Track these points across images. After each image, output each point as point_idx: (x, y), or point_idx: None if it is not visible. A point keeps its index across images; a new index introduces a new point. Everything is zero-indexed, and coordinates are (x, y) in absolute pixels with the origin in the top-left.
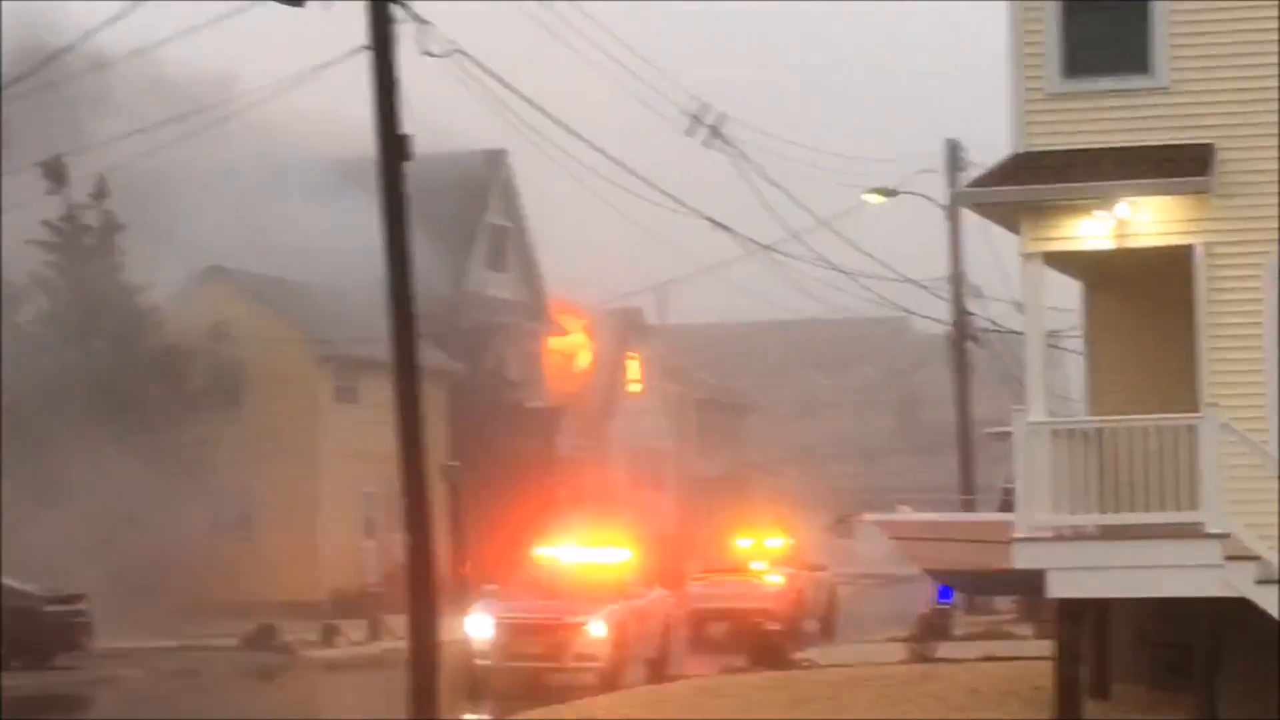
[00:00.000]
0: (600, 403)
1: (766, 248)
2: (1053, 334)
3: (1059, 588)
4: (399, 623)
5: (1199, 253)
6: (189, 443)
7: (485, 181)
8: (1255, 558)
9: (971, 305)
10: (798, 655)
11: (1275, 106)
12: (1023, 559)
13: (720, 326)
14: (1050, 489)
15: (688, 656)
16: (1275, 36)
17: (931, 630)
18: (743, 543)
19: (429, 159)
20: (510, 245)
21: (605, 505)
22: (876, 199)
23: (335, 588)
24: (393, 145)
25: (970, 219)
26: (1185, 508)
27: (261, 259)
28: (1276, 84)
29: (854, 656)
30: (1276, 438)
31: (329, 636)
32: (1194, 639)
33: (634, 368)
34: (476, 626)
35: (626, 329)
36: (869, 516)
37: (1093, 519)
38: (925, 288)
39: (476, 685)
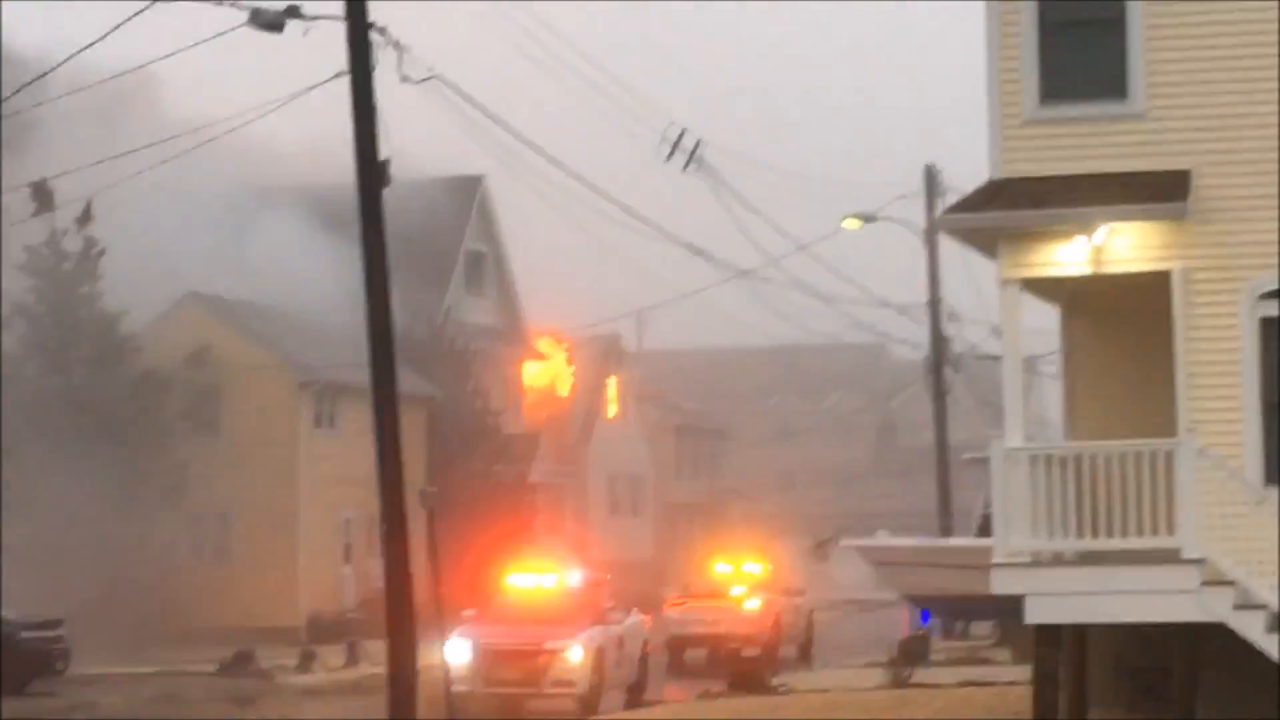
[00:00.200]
0: (578, 428)
1: (744, 273)
2: (1031, 359)
3: (1037, 613)
4: (377, 648)
5: (1176, 278)
6: (167, 468)
7: (463, 207)
8: (1232, 583)
9: (949, 330)
10: (775, 680)
11: (1251, 132)
12: (1001, 584)
13: (698, 352)
14: (1028, 514)
15: (665, 682)
16: (1252, 62)
17: (909, 655)
18: (721, 568)
19: (408, 184)
20: (488, 270)
21: (582, 530)
22: (854, 224)
23: (313, 613)
24: (371, 170)
25: (948, 244)
26: (1162, 533)
27: (239, 284)
28: (1252, 110)
29: (832, 682)
30: (1253, 463)
31: (307, 662)
32: (1171, 664)
33: (612, 393)
34: (454, 652)
35: (604, 354)
36: (847, 541)
37: (1070, 544)
38: (904, 313)
39: (454, 711)
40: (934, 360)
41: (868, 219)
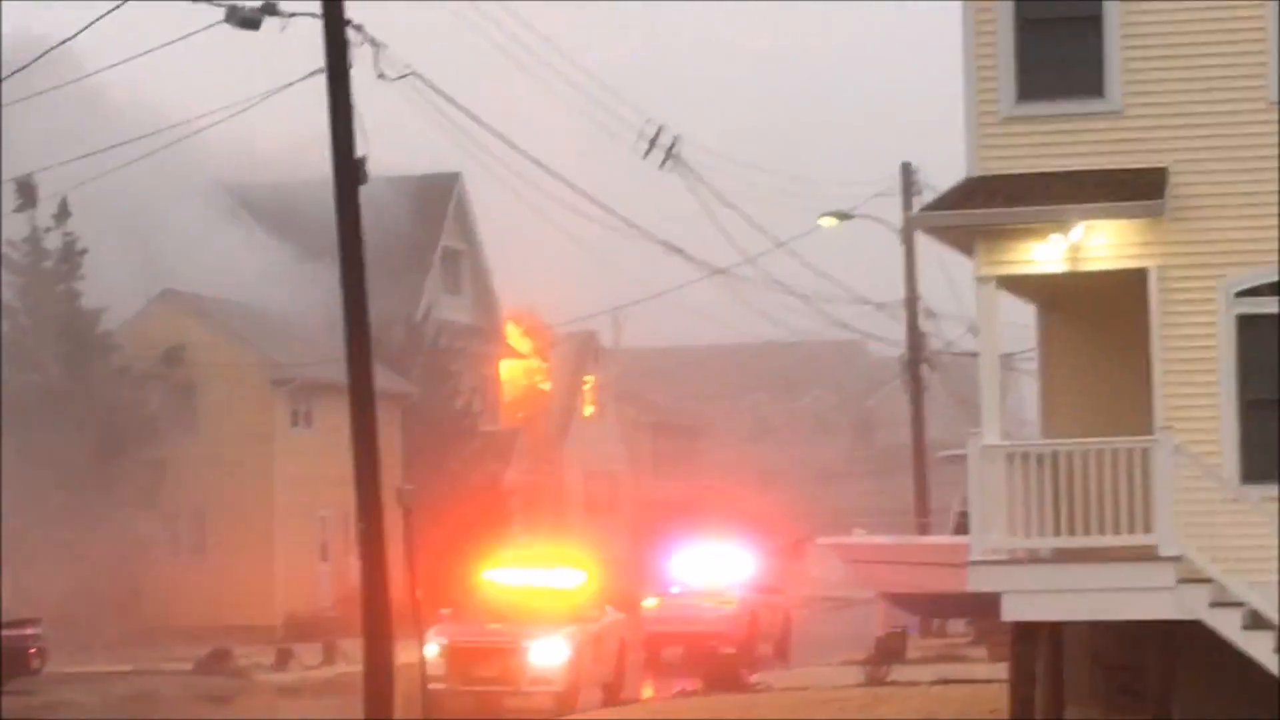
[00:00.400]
0: (555, 426)
1: (721, 271)
2: (1008, 356)
3: (1013, 610)
4: (353, 646)
5: (1152, 276)
6: (143, 466)
7: (440, 204)
8: (1209, 580)
9: (926, 328)
10: (752, 678)
11: (1228, 130)
12: (977, 582)
13: (675, 350)
14: (1005, 512)
15: (643, 680)
16: (1229, 60)
17: (886, 653)
18: (697, 566)
19: (384, 182)
20: (465, 268)
21: (559, 528)
22: (831, 222)
23: (290, 612)
24: (348, 168)
25: (925, 242)
26: (1139, 531)
27: (215, 282)
28: (1229, 107)
29: (809, 679)
30: (1230, 460)
31: (283, 661)
32: (1148, 661)
33: (589, 391)
34: (431, 650)
35: (581, 353)
36: (824, 539)
37: (1047, 542)
38: (881, 311)
39: (431, 709)
40: (911, 358)
41: (844, 217)
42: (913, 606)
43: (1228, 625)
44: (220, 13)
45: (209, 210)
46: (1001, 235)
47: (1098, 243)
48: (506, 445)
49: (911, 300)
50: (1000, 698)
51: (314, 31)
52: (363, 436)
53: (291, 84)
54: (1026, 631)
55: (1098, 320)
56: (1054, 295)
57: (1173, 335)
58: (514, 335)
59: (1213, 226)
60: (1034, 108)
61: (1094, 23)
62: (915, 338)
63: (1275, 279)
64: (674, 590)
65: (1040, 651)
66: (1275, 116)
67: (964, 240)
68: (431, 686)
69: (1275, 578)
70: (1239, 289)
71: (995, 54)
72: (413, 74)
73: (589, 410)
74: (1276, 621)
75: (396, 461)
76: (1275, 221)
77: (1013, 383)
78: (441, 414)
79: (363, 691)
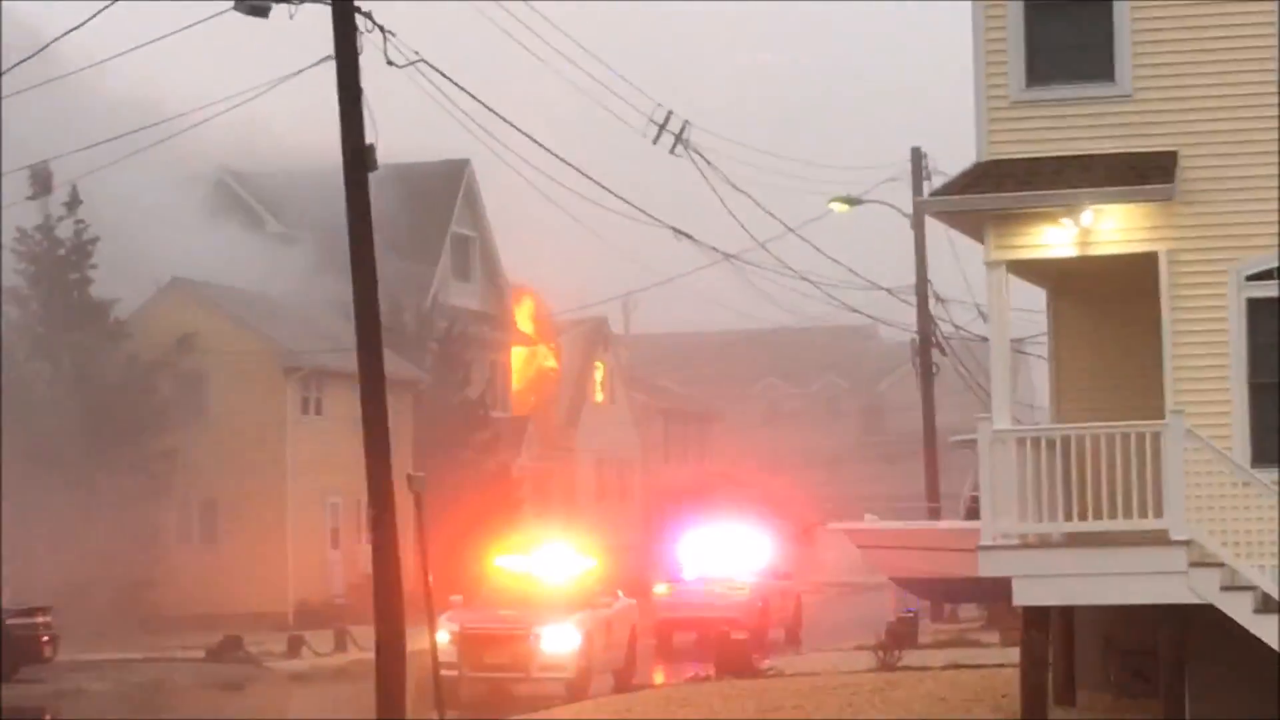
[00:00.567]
0: (565, 413)
1: (731, 256)
2: (1018, 340)
3: (1024, 595)
4: (365, 634)
5: (1163, 260)
6: (155, 454)
7: (449, 191)
8: (1220, 564)
9: (937, 313)
10: (764, 664)
11: (1238, 113)
12: (988, 567)
13: (685, 336)
14: (1015, 496)
15: (654, 665)
16: (1239, 43)
17: (898, 638)
18: (708, 551)
19: (393, 169)
20: (475, 255)
21: (570, 515)
22: (841, 207)
23: (301, 599)
24: (357, 156)
25: (936, 227)
26: (1150, 515)
27: (224, 270)
28: (1239, 90)
29: (820, 665)
30: (1240, 444)
31: (295, 648)
32: (1159, 645)
33: (599, 377)
34: (443, 637)
35: (592, 339)
36: (835, 525)
37: (1058, 526)
38: (891, 293)
39: (443, 696)
40: (921, 343)
41: (854, 202)
42: (924, 591)
43: (1239, 609)
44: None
45: (217, 198)
46: (1011, 219)
47: (1108, 227)
48: (517, 432)
49: (922, 285)
50: (1012, 682)
51: (323, 19)
52: (373, 423)
53: (300, 71)
54: (1038, 616)
55: (1108, 304)
56: (1064, 279)
57: (1183, 319)
58: (524, 321)
59: (1223, 210)
60: (1044, 92)
61: (1103, 6)
62: (925, 323)
63: None
64: (685, 576)
65: (1051, 636)
66: None
67: (974, 225)
68: (443, 673)
69: None
70: (1249, 273)
71: (1005, 38)
72: (421, 61)
73: (600, 396)
74: None
75: (407, 448)
76: None
77: (1023, 367)
78: (452, 401)
79: (374, 678)
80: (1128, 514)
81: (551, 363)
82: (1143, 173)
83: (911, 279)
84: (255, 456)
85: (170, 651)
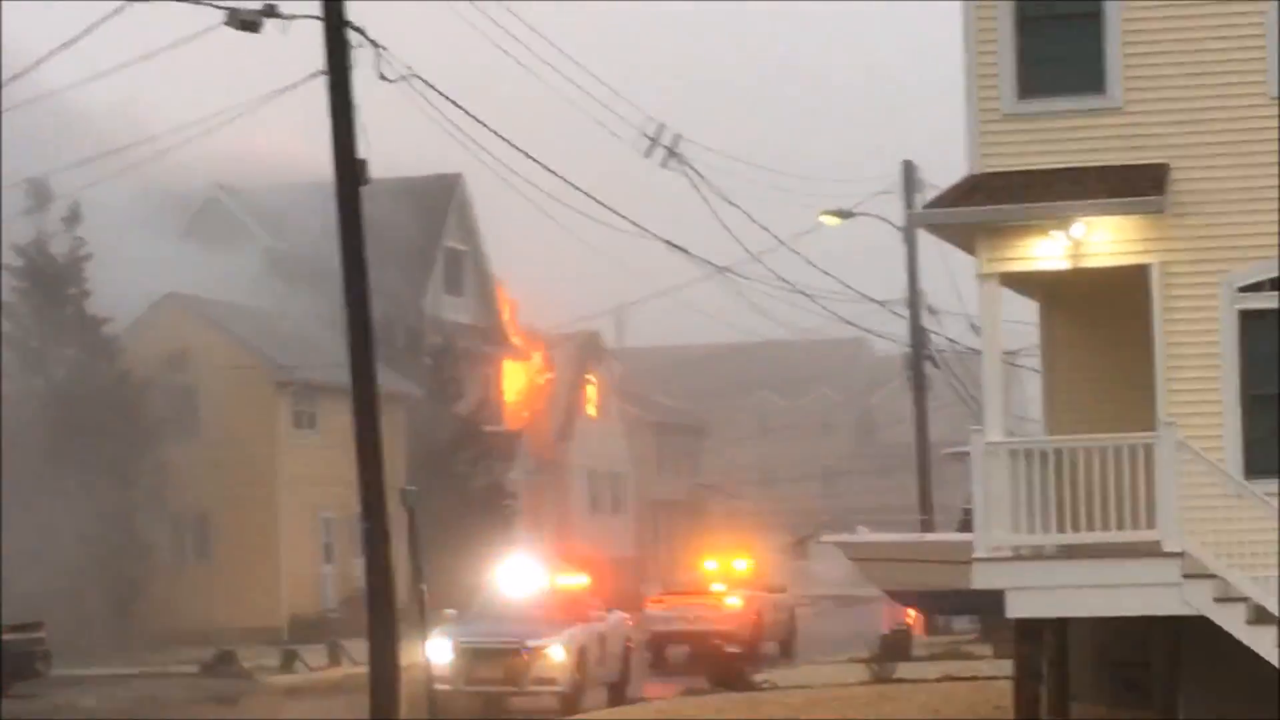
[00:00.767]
0: (558, 426)
1: (723, 269)
2: (1010, 353)
3: (1018, 607)
4: (359, 648)
5: (1154, 272)
6: (148, 469)
7: (442, 205)
8: (1213, 576)
9: (929, 325)
10: (758, 677)
11: (1229, 125)
12: (981, 579)
13: (678, 349)
14: (1008, 509)
15: (648, 679)
16: (1229, 55)
17: (891, 651)
18: (708, 564)
19: (386, 183)
20: (467, 269)
21: (563, 529)
22: (833, 220)
23: (295, 613)
24: (350, 170)
25: (927, 239)
26: (1143, 526)
27: (217, 285)
28: (1230, 102)
29: (814, 678)
30: (1233, 455)
31: (289, 662)
32: (1153, 657)
33: (592, 391)
34: (436, 651)
35: (584, 352)
36: (828, 537)
37: (1051, 538)
38: (883, 306)
39: (436, 710)
40: (914, 356)
41: (846, 215)
42: (917, 604)
43: (1232, 620)
44: (221, 15)
45: (209, 213)
46: (1003, 232)
47: (1099, 239)
48: (510, 445)
49: (914, 298)
50: (1005, 694)
51: (315, 34)
52: (366, 438)
53: (292, 86)
54: (1031, 628)
55: (1100, 317)
56: (1056, 292)
57: (1175, 331)
58: (516, 335)
59: (1214, 222)
60: (1035, 104)
61: (1094, 19)
62: (918, 335)
63: (1277, 274)
64: (678, 589)
65: (1045, 648)
66: (1276, 111)
67: (966, 237)
68: (437, 687)
69: (1278, 572)
70: (1241, 284)
71: (996, 51)
72: (413, 75)
73: (592, 410)
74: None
75: (400, 462)
76: (1276, 216)
77: (1015, 380)
78: (444, 415)
79: (368, 692)
80: (1121, 526)
81: (545, 377)
82: (1134, 185)
83: (903, 291)
84: (248, 471)
85: (164, 666)
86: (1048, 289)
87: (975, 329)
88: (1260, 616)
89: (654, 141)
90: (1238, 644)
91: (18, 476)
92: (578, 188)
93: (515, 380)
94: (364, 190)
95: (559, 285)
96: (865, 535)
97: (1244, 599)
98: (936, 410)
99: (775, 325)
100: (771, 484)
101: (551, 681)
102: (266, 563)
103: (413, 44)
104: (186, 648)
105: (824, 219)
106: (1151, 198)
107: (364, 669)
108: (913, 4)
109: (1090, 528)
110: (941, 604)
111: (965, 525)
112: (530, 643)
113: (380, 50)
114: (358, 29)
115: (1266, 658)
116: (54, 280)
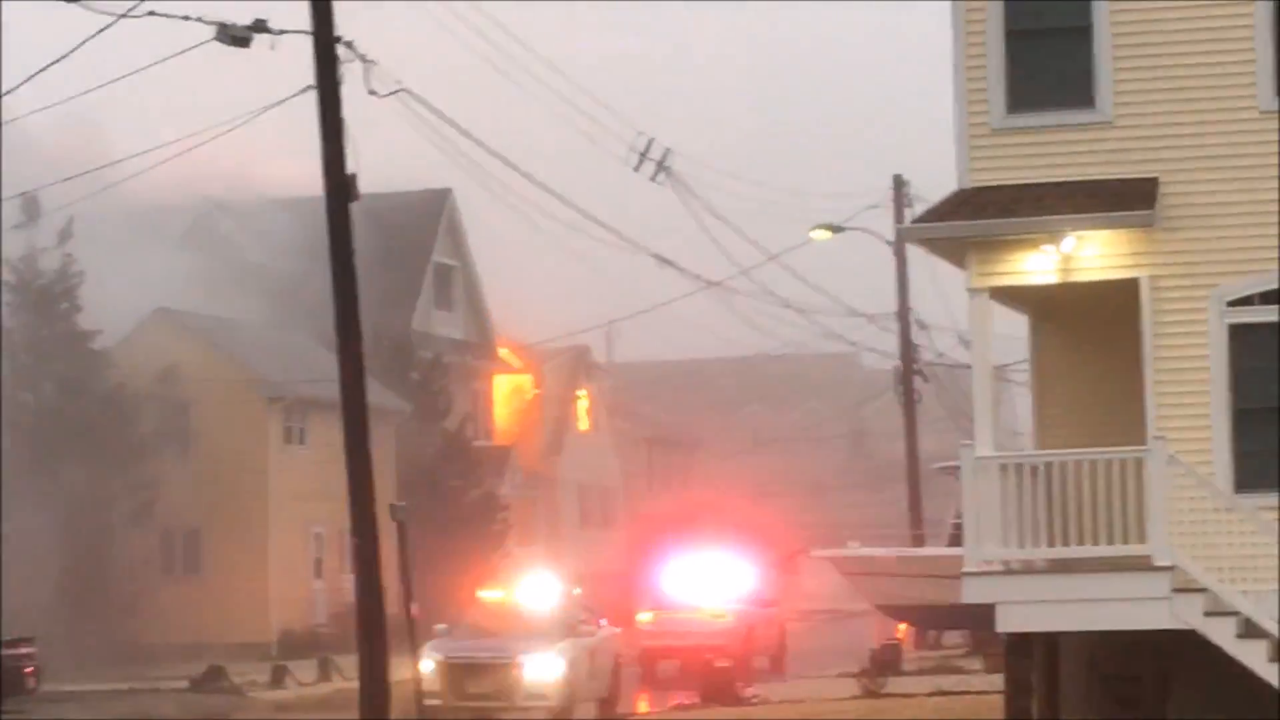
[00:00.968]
0: (548, 441)
1: (714, 284)
2: (1000, 367)
3: (1008, 621)
4: (348, 663)
5: (1144, 286)
6: (138, 485)
7: (432, 220)
8: (1203, 589)
9: (919, 339)
10: (748, 692)
11: (1218, 139)
12: (972, 593)
13: (668, 363)
14: (999, 523)
15: (638, 694)
16: (1219, 69)
17: (882, 665)
18: (692, 579)
19: (376, 198)
20: (457, 284)
21: (553, 543)
22: (823, 235)
23: (284, 628)
24: (339, 185)
25: (917, 254)
26: (1133, 540)
27: (206, 300)
28: (1219, 116)
29: (805, 692)
30: (1223, 469)
31: (279, 677)
32: (1143, 671)
33: (582, 406)
34: (426, 666)
35: (574, 367)
36: (819, 552)
37: (1041, 552)
38: (873, 320)
39: None
40: (904, 370)
41: (836, 229)
42: (908, 618)
43: (1222, 634)
44: (211, 31)
45: (199, 228)
46: (993, 246)
47: (1089, 253)
48: (500, 460)
49: (904, 312)
50: (996, 709)
51: (304, 49)
52: (356, 453)
53: (282, 101)
54: (1021, 642)
55: (1090, 331)
56: (1046, 306)
57: (1165, 345)
58: (506, 350)
59: (1204, 236)
60: (1024, 119)
61: (1083, 33)
62: (908, 349)
63: (1267, 288)
64: (669, 604)
65: (1035, 662)
66: (1265, 126)
67: (955, 252)
68: (427, 702)
69: (1270, 587)
70: (1231, 298)
71: (985, 65)
72: (403, 90)
73: (583, 425)
74: (1274, 632)
75: (390, 478)
76: (1267, 231)
77: (1006, 394)
78: (434, 430)
79: (358, 708)
80: (1111, 540)
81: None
82: (1124, 199)
83: (893, 306)
84: (238, 486)
85: (153, 682)
86: (1038, 303)
87: (965, 343)
88: (1250, 630)
89: (644, 156)
90: (1228, 658)
91: (7, 491)
92: (568, 202)
93: (505, 395)
94: (354, 205)
95: (549, 300)
96: (856, 549)
97: (1234, 613)
98: (927, 424)
99: (766, 339)
100: (762, 498)
101: (542, 696)
102: (256, 577)
103: (404, 59)
104: (176, 663)
105: (814, 233)
106: (1141, 212)
107: (354, 684)
108: (906, 17)
109: (1080, 542)
110: (932, 618)
111: (956, 539)
112: (521, 658)
113: (370, 65)
114: (347, 44)
115: (1257, 672)
116: (45, 296)
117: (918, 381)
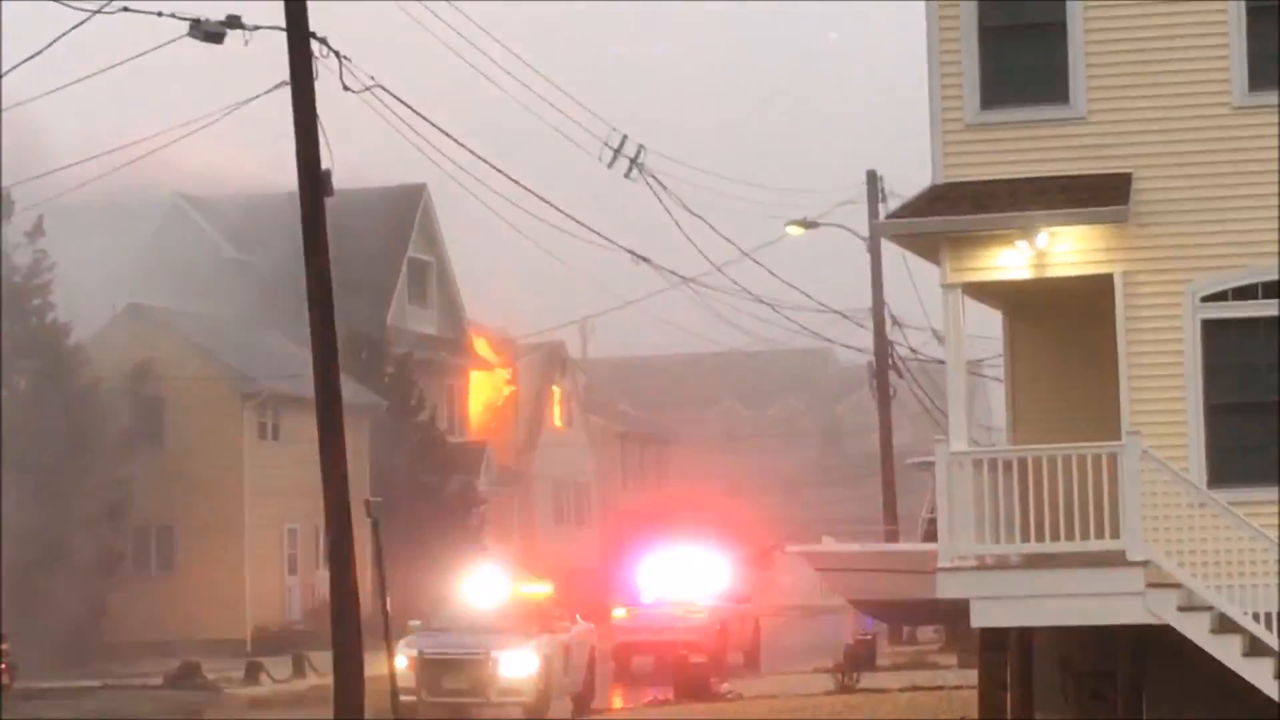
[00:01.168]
0: (523, 437)
1: (688, 280)
2: (974, 362)
3: (982, 616)
4: (323, 659)
5: (1118, 281)
6: (111, 481)
7: (406, 216)
8: (1177, 585)
9: (893, 335)
10: (723, 687)
11: (1192, 135)
12: (946, 588)
13: (643, 359)
14: (973, 518)
15: (613, 689)
16: (1192, 64)
17: (856, 661)
18: (666, 575)
19: (350, 194)
20: (432, 280)
21: (528, 539)
22: (797, 231)
23: (259, 625)
24: (313, 180)
25: (892, 250)
26: (1107, 536)
27: (181, 296)
28: (1193, 112)
29: (779, 688)
30: (1196, 465)
31: (253, 674)
32: (1118, 666)
33: (557, 401)
34: (401, 662)
35: (549, 363)
36: (793, 548)
37: (1015, 548)
38: (847, 316)
39: None
40: (878, 366)
41: (810, 225)
42: (882, 614)
43: (1196, 629)
44: (184, 27)
45: (172, 224)
46: (967, 242)
47: (1063, 249)
48: (475, 456)
49: (878, 308)
50: (970, 704)
51: (278, 45)
52: (330, 449)
53: (256, 97)
54: (995, 637)
55: (1064, 326)
56: (1020, 301)
57: (1139, 340)
58: (481, 346)
59: (1178, 232)
60: (998, 114)
61: (1057, 29)
62: (882, 345)
63: (1240, 284)
64: (644, 600)
65: (1009, 657)
66: (1238, 121)
67: (930, 247)
68: (402, 698)
69: (1244, 582)
70: (1204, 294)
71: (959, 61)
72: (377, 86)
73: (558, 421)
74: (1249, 626)
75: (365, 473)
76: (1241, 226)
77: (980, 389)
78: (409, 426)
79: (333, 704)
80: (1085, 535)
81: (509, 389)
82: (1097, 195)
83: (867, 302)
84: (212, 482)
85: (128, 679)
86: (1012, 298)
87: (939, 338)
88: (1224, 625)
89: (617, 152)
90: (1202, 653)
91: None
92: (542, 198)
93: (480, 391)
94: (328, 200)
95: (524, 296)
96: (830, 545)
97: (1208, 608)
98: (901, 420)
99: (740, 336)
100: (737, 494)
101: (517, 692)
102: (231, 574)
103: (376, 56)
104: (150, 660)
105: (789, 229)
106: (1115, 207)
107: (329, 680)
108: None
109: (1055, 537)
110: (906, 614)
111: (930, 535)
112: (495, 653)
113: (344, 60)
114: (321, 39)
115: (1230, 666)
116: (16, 292)
117: (892, 377)
